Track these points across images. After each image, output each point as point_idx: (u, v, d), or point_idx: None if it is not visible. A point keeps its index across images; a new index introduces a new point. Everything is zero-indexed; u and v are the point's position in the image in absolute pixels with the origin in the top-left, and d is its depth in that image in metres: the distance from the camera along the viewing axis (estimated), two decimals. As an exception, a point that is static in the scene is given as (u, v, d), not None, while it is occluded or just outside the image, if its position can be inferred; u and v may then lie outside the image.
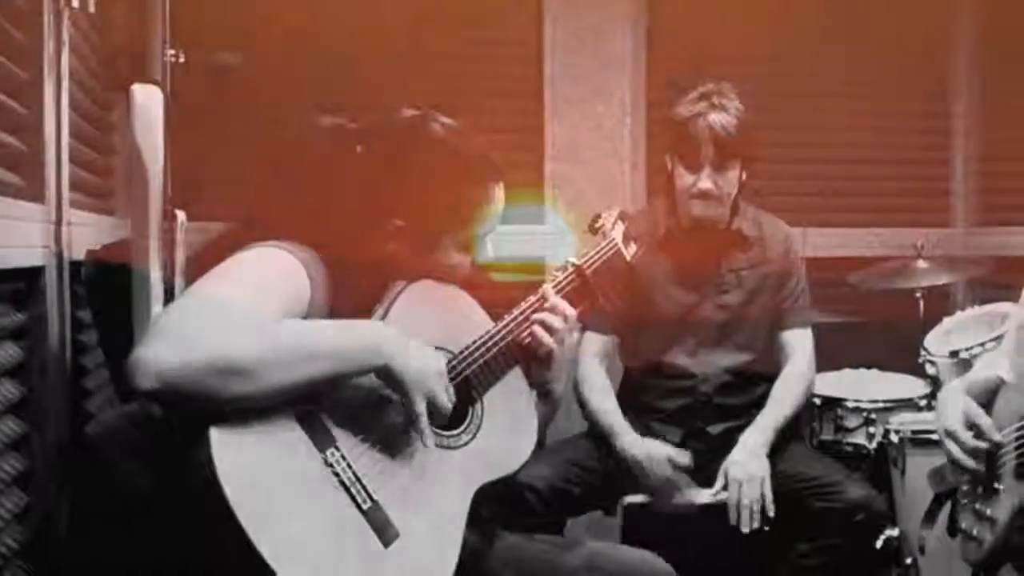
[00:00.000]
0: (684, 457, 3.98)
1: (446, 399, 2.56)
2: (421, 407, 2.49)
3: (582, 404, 4.15)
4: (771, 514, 3.86)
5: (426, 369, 2.52)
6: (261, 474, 2.29)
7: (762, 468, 3.90)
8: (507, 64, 5.48)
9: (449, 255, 2.77)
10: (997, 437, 3.25)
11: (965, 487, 3.42)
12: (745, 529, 3.85)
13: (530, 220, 5.35)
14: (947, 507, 3.53)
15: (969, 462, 3.30)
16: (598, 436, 4.10)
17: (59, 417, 2.84)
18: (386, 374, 2.46)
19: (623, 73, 5.51)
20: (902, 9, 5.65)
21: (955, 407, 3.38)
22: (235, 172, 3.80)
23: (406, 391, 2.47)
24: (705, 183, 4.03)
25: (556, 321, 2.86)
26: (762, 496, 3.86)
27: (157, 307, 3.02)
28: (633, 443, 4.00)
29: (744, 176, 4.12)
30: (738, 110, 4.01)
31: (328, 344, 2.41)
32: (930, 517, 3.64)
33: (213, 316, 2.30)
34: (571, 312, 2.89)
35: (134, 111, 3.11)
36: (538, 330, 2.85)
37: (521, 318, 2.86)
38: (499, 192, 2.82)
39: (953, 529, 3.47)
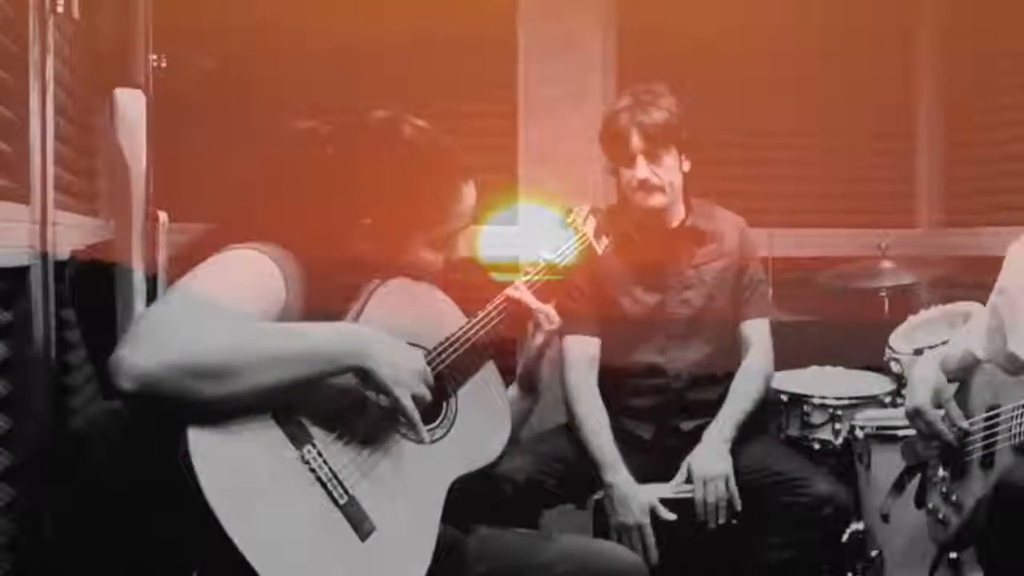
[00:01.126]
0: (669, 516, 3.93)
1: (429, 396, 2.58)
2: (409, 404, 2.51)
3: (571, 417, 4.13)
4: (737, 509, 3.88)
5: (408, 367, 2.54)
6: (238, 471, 2.30)
7: (725, 465, 3.91)
8: (482, 68, 5.49)
9: (421, 253, 2.78)
10: (964, 424, 3.27)
11: (934, 465, 3.46)
12: (712, 525, 3.86)
13: (504, 221, 5.37)
14: (917, 479, 3.57)
15: (933, 442, 3.33)
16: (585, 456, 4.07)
17: (43, 413, 2.84)
18: (366, 375, 2.47)
19: (595, 77, 5.53)
20: (867, 12, 5.66)
21: (927, 385, 3.42)
22: (215, 174, 3.80)
23: (390, 391, 2.49)
24: (641, 172, 4.05)
25: (533, 306, 2.92)
26: (728, 492, 3.87)
27: (140, 306, 3.04)
28: (621, 481, 3.96)
29: (687, 165, 4.15)
30: (669, 103, 4.06)
31: (307, 346, 2.42)
32: (899, 487, 3.66)
33: (191, 319, 2.30)
34: (535, 301, 2.94)
35: (117, 115, 3.13)
36: (539, 316, 2.93)
37: (494, 314, 2.89)
38: (470, 190, 2.83)
39: (921, 502, 3.51)
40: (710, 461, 3.92)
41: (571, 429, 4.13)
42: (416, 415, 2.53)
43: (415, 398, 2.53)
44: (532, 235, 5.20)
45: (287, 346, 2.39)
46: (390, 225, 2.70)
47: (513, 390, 3.06)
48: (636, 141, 4.03)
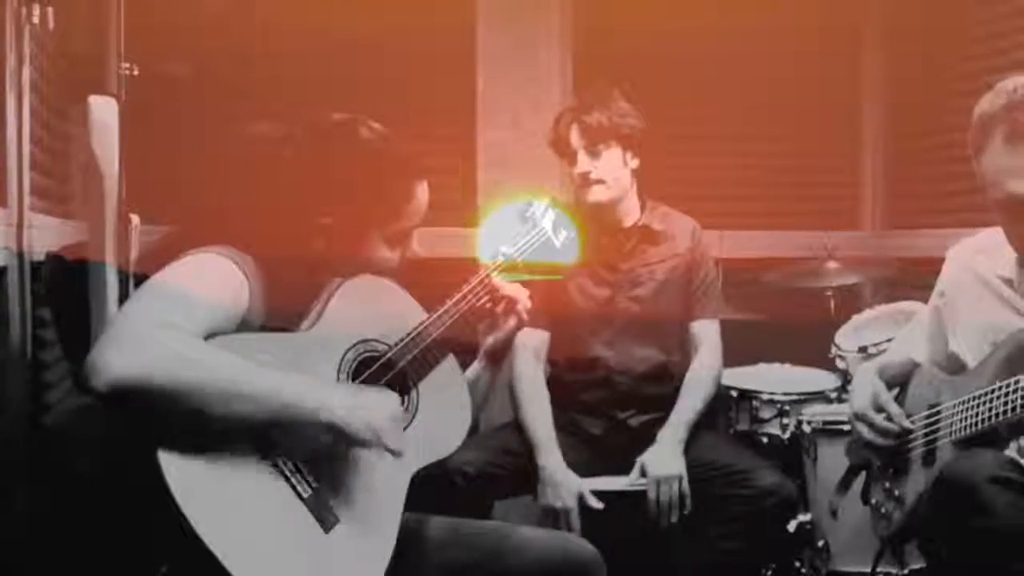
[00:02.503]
0: (597, 504, 3.96)
1: (399, 446, 2.58)
2: (379, 448, 2.54)
3: (515, 401, 4.16)
4: (688, 510, 3.91)
5: (377, 420, 2.54)
6: (205, 466, 2.33)
7: (679, 467, 3.94)
8: (442, 75, 5.49)
9: (378, 250, 2.79)
10: (906, 424, 3.31)
11: (877, 464, 3.47)
12: (664, 523, 3.89)
13: (464, 223, 5.40)
14: (862, 477, 3.59)
15: (878, 440, 3.36)
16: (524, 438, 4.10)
17: (20, 409, 2.87)
18: (333, 429, 2.48)
19: (552, 82, 5.55)
20: (814, 14, 5.69)
21: (866, 391, 3.44)
22: (184, 177, 3.81)
23: (360, 443, 2.52)
24: (582, 167, 4.13)
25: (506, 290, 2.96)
26: (680, 492, 3.90)
27: (113, 304, 3.05)
28: (553, 465, 4.00)
29: (634, 162, 4.21)
30: (613, 103, 4.14)
31: (273, 400, 2.41)
32: (844, 485, 3.67)
33: (163, 328, 2.32)
34: (502, 283, 2.97)
35: (91, 121, 3.15)
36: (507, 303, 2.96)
37: (453, 310, 2.90)
38: (423, 189, 2.84)
39: (866, 498, 3.53)
40: (664, 462, 3.94)
41: (515, 414, 4.18)
42: (387, 450, 2.55)
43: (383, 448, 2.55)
44: (492, 236, 5.21)
45: (256, 392, 2.38)
46: (348, 224, 2.71)
47: (475, 370, 3.07)
48: (575, 138, 4.12)
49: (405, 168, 2.82)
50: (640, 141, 4.20)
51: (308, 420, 2.45)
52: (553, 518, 3.93)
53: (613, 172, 4.14)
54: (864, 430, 3.39)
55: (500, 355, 3.08)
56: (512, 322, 2.99)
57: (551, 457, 4.01)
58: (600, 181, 4.13)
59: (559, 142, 4.20)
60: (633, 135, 4.16)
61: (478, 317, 2.97)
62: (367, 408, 2.53)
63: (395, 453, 2.56)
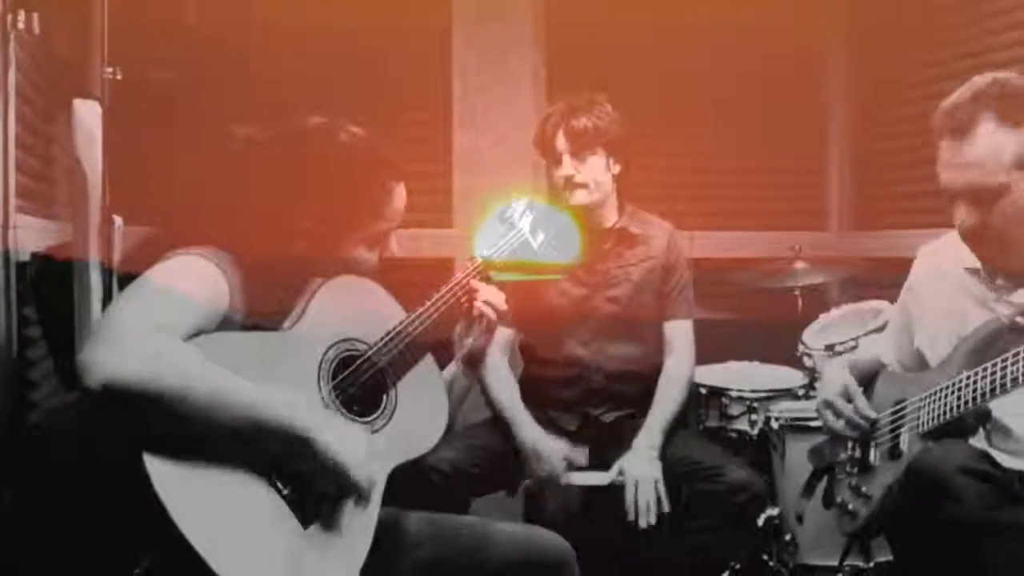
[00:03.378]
0: (581, 457, 4.02)
1: (367, 485, 2.59)
2: (365, 485, 2.57)
3: (486, 392, 4.18)
4: (665, 511, 3.91)
5: (353, 451, 2.56)
6: (188, 464, 2.35)
7: (656, 469, 3.95)
8: (418, 80, 5.51)
9: (357, 251, 2.81)
10: (872, 414, 3.33)
11: (842, 462, 3.49)
12: (642, 524, 3.88)
13: (440, 224, 5.44)
14: (824, 481, 3.60)
15: (844, 431, 3.39)
16: (501, 423, 4.14)
17: (6, 406, 2.87)
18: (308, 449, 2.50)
19: (525, 86, 5.57)
20: (782, 15, 5.70)
21: (836, 382, 3.47)
22: (166, 180, 3.81)
23: (341, 475, 2.53)
24: (567, 170, 4.14)
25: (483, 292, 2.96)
26: (656, 494, 3.91)
27: (96, 303, 3.07)
28: (532, 436, 4.04)
29: (616, 168, 4.23)
30: (600, 110, 4.15)
31: (255, 419, 2.42)
32: (808, 489, 3.70)
33: (149, 330, 2.35)
34: (480, 284, 2.99)
35: (75, 124, 3.16)
36: (483, 307, 2.96)
37: (432, 308, 2.92)
38: (400, 191, 2.86)
39: (829, 502, 3.55)
40: (641, 466, 3.95)
41: (488, 405, 4.20)
42: (367, 487, 2.58)
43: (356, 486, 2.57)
44: (467, 237, 5.23)
45: (238, 412, 2.40)
46: (327, 226, 2.74)
47: (452, 371, 3.09)
48: (562, 141, 4.13)
49: (383, 171, 2.83)
50: (624, 148, 4.22)
51: (294, 443, 2.47)
52: (543, 487, 3.99)
53: (596, 177, 4.16)
54: (831, 419, 3.42)
55: (477, 358, 3.09)
56: (486, 325, 3.00)
57: (527, 429, 4.05)
58: (583, 185, 4.15)
59: (545, 144, 4.21)
60: (618, 142, 4.18)
61: (456, 318, 2.98)
62: (351, 438, 2.58)
63: (363, 496, 2.59)
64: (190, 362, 2.37)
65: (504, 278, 3.51)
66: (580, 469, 4.10)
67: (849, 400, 3.39)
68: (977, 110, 2.91)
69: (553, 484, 3.99)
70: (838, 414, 3.39)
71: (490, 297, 2.97)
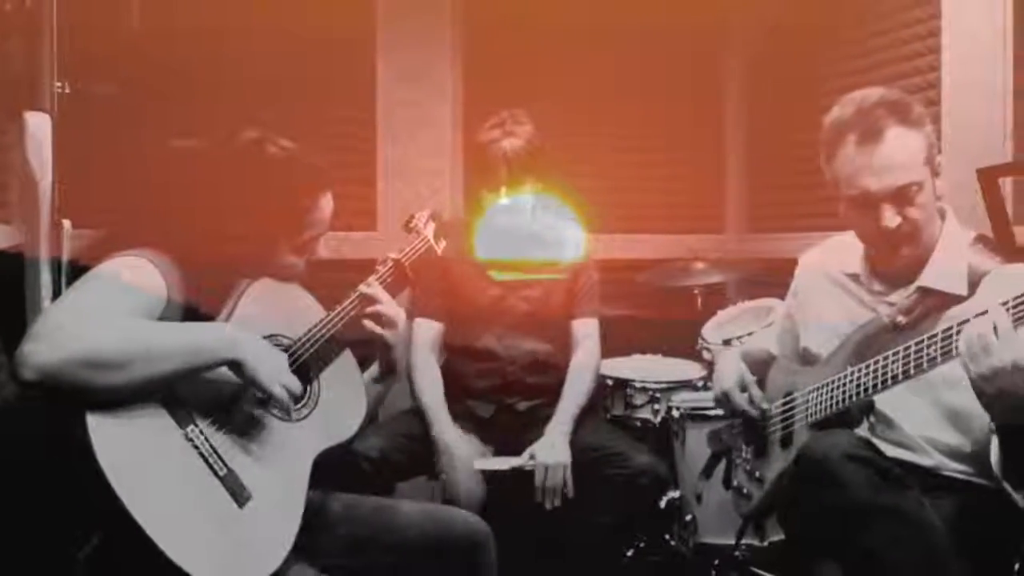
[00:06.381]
0: (497, 465, 4.03)
1: (296, 387, 2.68)
2: (280, 392, 2.62)
3: (412, 389, 4.20)
4: (571, 495, 3.94)
5: (272, 362, 2.64)
6: (131, 449, 2.39)
7: (564, 456, 3.96)
8: (345, 95, 5.52)
9: (286, 256, 2.88)
10: (765, 405, 3.38)
11: (739, 448, 3.54)
12: (548, 507, 3.93)
13: (365, 228, 5.46)
14: (722, 464, 3.66)
15: (741, 416, 3.44)
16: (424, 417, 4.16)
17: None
18: (239, 368, 2.57)
19: (445, 103, 5.59)
20: (681, 19, 5.77)
21: (731, 372, 3.51)
22: (111, 187, 3.81)
23: (260, 382, 2.58)
24: (502, 197, 4.15)
25: (382, 308, 3.00)
26: (564, 479, 3.95)
27: (47, 302, 3.07)
28: (450, 442, 4.04)
29: (537, 185, 4.21)
30: (528, 133, 4.14)
31: (188, 341, 2.52)
32: (707, 472, 3.75)
33: (84, 318, 2.41)
34: (385, 297, 3.02)
35: (26, 135, 3.17)
36: (368, 323, 3.00)
37: (349, 307, 2.97)
38: (327, 201, 2.92)
39: (727, 483, 3.60)
40: (551, 452, 3.96)
41: (413, 399, 4.22)
42: (284, 398, 2.64)
43: (284, 387, 2.64)
44: (389, 239, 5.25)
45: (171, 342, 2.49)
46: (258, 233, 2.78)
47: (372, 372, 3.14)
48: (502, 172, 4.11)
49: (311, 182, 2.89)
50: (548, 168, 4.26)
51: (223, 358, 2.55)
52: (451, 483, 3.98)
53: (528, 202, 4.20)
54: (727, 409, 3.48)
55: (388, 360, 3.15)
56: (388, 335, 3.05)
57: (447, 434, 4.05)
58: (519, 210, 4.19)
59: (483, 170, 4.20)
60: (546, 167, 4.23)
61: (364, 319, 3.03)
62: (272, 354, 2.69)
63: (289, 400, 2.67)
64: (121, 323, 2.45)
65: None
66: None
67: (744, 390, 3.44)
68: (881, 116, 2.95)
69: (463, 488, 3.99)
70: (734, 405, 3.44)
71: (386, 309, 3.02)
